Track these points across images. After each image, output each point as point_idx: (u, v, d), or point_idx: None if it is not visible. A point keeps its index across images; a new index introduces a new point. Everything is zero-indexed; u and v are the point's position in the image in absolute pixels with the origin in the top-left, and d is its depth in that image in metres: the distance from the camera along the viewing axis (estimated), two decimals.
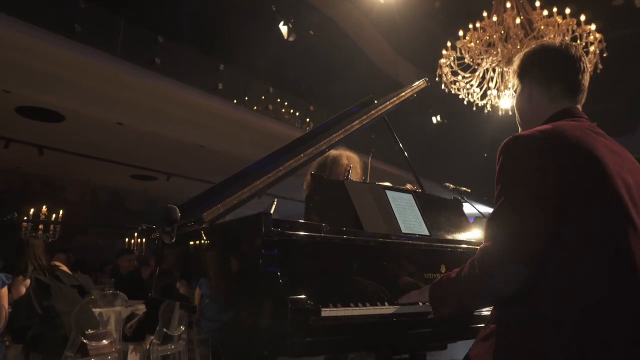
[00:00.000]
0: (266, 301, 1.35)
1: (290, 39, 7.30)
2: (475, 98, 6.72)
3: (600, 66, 5.72)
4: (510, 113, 6.91)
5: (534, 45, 1.45)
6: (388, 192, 2.13)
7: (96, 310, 4.00)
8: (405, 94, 2.84)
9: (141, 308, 4.97)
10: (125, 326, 4.35)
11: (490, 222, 1.21)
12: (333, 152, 2.94)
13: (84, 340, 3.48)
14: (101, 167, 8.39)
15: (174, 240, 1.65)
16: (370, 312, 1.45)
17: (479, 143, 13.61)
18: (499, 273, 1.15)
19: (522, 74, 1.43)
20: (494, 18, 5.50)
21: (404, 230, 1.99)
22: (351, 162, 2.77)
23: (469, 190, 3.40)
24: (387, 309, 1.50)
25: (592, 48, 5.51)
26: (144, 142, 7.24)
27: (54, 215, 6.95)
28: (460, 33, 5.99)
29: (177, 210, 1.59)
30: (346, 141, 2.53)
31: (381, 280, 1.68)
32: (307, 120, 9.02)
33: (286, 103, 8.30)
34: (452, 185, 3.52)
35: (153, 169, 8.65)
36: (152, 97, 6.16)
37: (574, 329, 1.07)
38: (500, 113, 6.84)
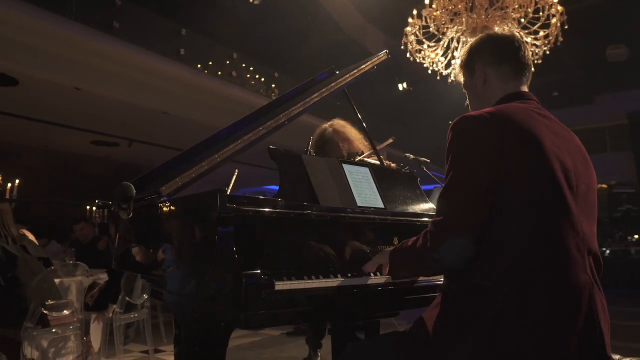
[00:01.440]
0: (222, 276, 1.39)
1: (256, 2, 7.10)
2: (439, 67, 6.78)
3: (560, 38, 5.85)
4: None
5: (479, 37, 1.55)
6: (345, 166, 2.17)
7: (57, 280, 3.95)
8: (366, 66, 2.86)
9: (103, 277, 4.94)
10: (87, 295, 4.32)
11: (440, 197, 1.29)
12: (327, 126, 3.00)
13: (44, 311, 3.45)
14: (60, 133, 8.12)
15: (130, 215, 1.65)
16: (322, 284, 1.51)
17: (443, 110, 13.81)
18: (446, 245, 1.23)
19: (473, 60, 1.50)
20: None
21: (359, 204, 2.04)
22: (347, 134, 2.86)
23: (429, 161, 3.49)
24: (338, 281, 1.57)
25: (553, 20, 5.61)
26: (104, 108, 7.01)
27: (9, 184, 6.72)
28: (427, 1, 5.97)
29: (133, 188, 1.58)
30: (312, 110, 2.55)
31: (336, 253, 1.74)
32: (273, 86, 8.89)
33: (251, 69, 8.15)
34: (412, 156, 3.60)
35: (115, 134, 8.43)
36: (110, 62, 5.93)
37: (508, 298, 1.16)
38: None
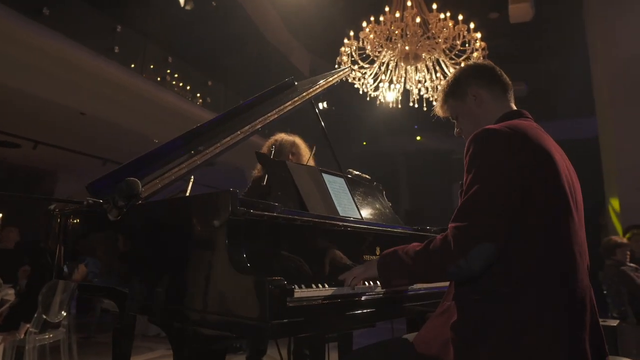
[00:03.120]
0: (238, 283, 1.30)
1: (187, 7, 6.88)
2: (369, 89, 7.04)
3: None
4: (391, 105, 7.35)
5: (458, 69, 1.65)
6: (324, 175, 2.18)
7: None
8: (333, 79, 2.89)
9: (10, 293, 4.41)
10: None
11: (465, 204, 1.29)
12: (285, 136, 2.93)
13: None
14: None
15: (119, 217, 1.49)
16: (334, 292, 1.49)
17: (360, 131, 14.30)
18: (475, 251, 1.23)
19: (462, 86, 1.56)
20: (397, 14, 5.79)
21: (340, 213, 2.06)
22: (300, 150, 2.81)
23: (369, 177, 3.60)
24: (348, 289, 1.55)
25: (475, 54, 6.10)
26: (8, 102, 6.25)
27: None
28: (365, 24, 6.19)
29: (140, 184, 1.44)
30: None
31: (330, 261, 1.73)
32: (198, 95, 8.61)
33: (176, 75, 7.83)
34: (355, 172, 3.69)
35: (18, 134, 7.57)
36: (29, 50, 5.32)
37: (526, 303, 1.22)
38: (391, 105, 7.27)
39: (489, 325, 1.23)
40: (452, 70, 6.59)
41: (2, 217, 7.42)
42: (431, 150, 16.40)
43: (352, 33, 6.20)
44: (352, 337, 2.25)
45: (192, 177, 2.82)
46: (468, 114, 1.57)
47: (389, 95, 7.18)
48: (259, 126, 2.30)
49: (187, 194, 2.88)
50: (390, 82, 6.88)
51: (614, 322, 3.44)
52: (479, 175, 1.30)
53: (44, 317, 3.85)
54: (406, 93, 7.13)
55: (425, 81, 6.81)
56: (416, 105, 7.14)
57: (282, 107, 2.45)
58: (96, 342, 6.09)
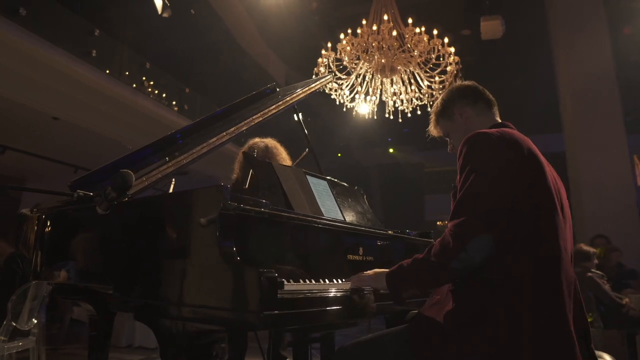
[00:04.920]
0: (230, 274, 1.32)
1: (165, 14, 6.85)
2: (345, 100, 7.14)
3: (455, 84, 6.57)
4: (367, 117, 7.48)
5: (444, 92, 1.79)
6: (309, 177, 2.22)
7: None
8: (315, 86, 2.96)
9: None
10: None
11: (460, 201, 1.37)
12: (258, 141, 2.94)
13: None
14: None
15: (108, 211, 1.49)
16: (323, 287, 1.52)
17: (334, 143, 14.42)
18: (474, 243, 1.31)
19: (449, 107, 1.72)
20: (374, 27, 5.92)
21: (324, 214, 2.10)
22: (275, 154, 2.84)
23: (347, 185, 3.67)
24: (335, 285, 1.59)
25: (449, 68, 6.29)
26: None
27: None
28: (342, 36, 6.31)
29: (133, 176, 1.44)
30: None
31: (318, 258, 1.77)
32: (174, 102, 8.55)
33: (152, 82, 7.76)
34: (334, 180, 3.75)
35: None
36: (3, 51, 5.18)
37: (518, 290, 1.30)
38: (366, 116, 7.39)
39: (482, 312, 1.30)
40: (426, 83, 6.78)
41: None
42: (404, 162, 16.68)
43: (329, 45, 6.31)
44: (334, 339, 2.27)
45: (173, 179, 2.83)
46: (458, 130, 1.70)
47: (363, 107, 7.30)
48: (244, 128, 2.33)
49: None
50: (367, 93, 7.01)
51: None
52: (471, 173, 1.39)
53: (13, 324, 3.73)
54: (382, 105, 7.27)
55: (400, 94, 6.97)
56: (391, 117, 7.28)
57: (260, 113, 2.49)
58: (65, 352, 5.91)
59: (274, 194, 1.95)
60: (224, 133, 2.20)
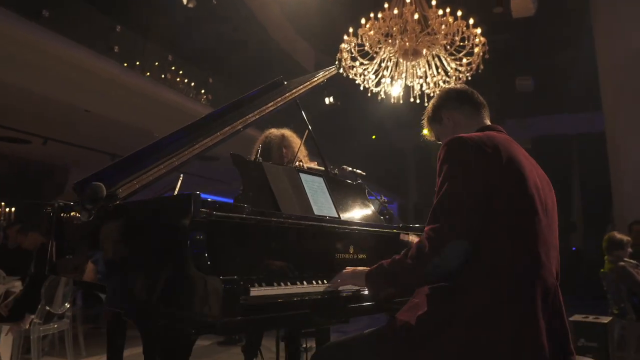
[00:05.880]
0: (196, 282, 1.38)
1: (190, 5, 6.95)
2: (370, 85, 7.06)
3: (482, 66, 6.39)
4: (401, 101, 7.39)
5: (437, 95, 1.81)
6: (302, 175, 2.24)
7: None
8: (317, 79, 2.95)
9: (17, 285, 4.57)
10: (0, 305, 3.97)
11: (437, 206, 1.38)
12: (274, 131, 3.05)
13: None
14: None
15: (91, 218, 1.58)
16: (295, 290, 1.56)
17: (368, 125, 14.29)
18: (448, 249, 1.33)
19: (439, 112, 1.73)
20: (395, 11, 5.80)
21: (315, 212, 2.11)
22: (291, 142, 2.91)
23: (364, 173, 3.66)
24: (310, 287, 1.62)
25: (476, 49, 6.10)
26: (17, 100, 6.42)
27: None
28: (363, 21, 6.21)
29: (104, 188, 1.52)
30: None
31: (305, 260, 1.80)
32: (202, 91, 8.71)
33: (181, 72, 7.94)
34: (349, 168, 3.75)
35: (27, 131, 7.76)
36: (32, 51, 5.46)
37: (486, 297, 1.29)
38: (392, 100, 7.29)
39: (450, 318, 1.31)
40: (453, 65, 6.61)
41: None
42: (439, 144, 16.36)
43: (351, 30, 6.23)
44: (329, 330, 2.32)
45: (182, 175, 2.92)
46: (447, 134, 1.69)
47: (394, 89, 7.20)
48: (240, 126, 2.36)
49: (176, 191, 2.98)
50: (392, 78, 6.91)
51: (606, 319, 3.45)
52: (448, 177, 1.40)
53: (48, 308, 4.00)
54: (410, 88, 7.15)
55: (426, 77, 6.83)
56: (418, 101, 7.16)
57: (264, 107, 2.51)
58: (104, 332, 6.25)
59: (261, 195, 1.99)
60: (218, 133, 2.24)
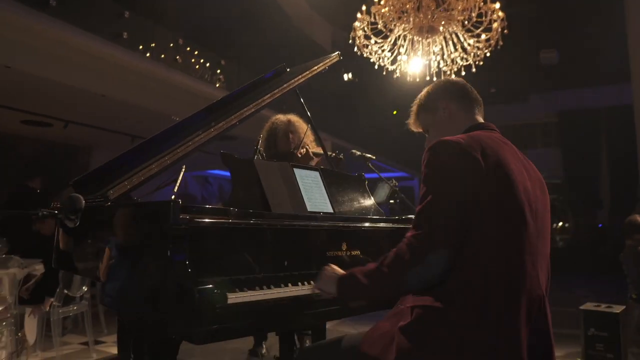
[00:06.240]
0: (174, 290, 1.39)
1: None
2: (385, 62, 6.93)
3: (501, 42, 6.17)
4: (417, 79, 7.23)
5: (430, 85, 1.70)
6: (296, 170, 2.21)
7: None
8: (317, 67, 2.89)
9: (38, 268, 4.73)
10: (22, 289, 4.14)
11: (420, 213, 1.34)
12: (280, 117, 3.07)
13: None
14: None
15: (76, 225, 1.62)
16: (274, 295, 1.56)
17: (389, 101, 14.09)
18: (432, 258, 1.28)
19: (434, 100, 1.65)
20: None
21: (309, 209, 2.10)
22: (297, 127, 2.91)
23: (374, 157, 3.62)
24: (290, 291, 1.62)
25: (495, 25, 5.88)
26: (37, 88, 6.59)
27: None
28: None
29: (82, 200, 1.54)
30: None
31: (288, 261, 1.78)
32: (218, 72, 8.69)
33: (196, 53, 7.91)
34: (358, 152, 3.72)
35: (48, 115, 7.94)
36: (45, 41, 5.55)
37: (469, 308, 1.27)
38: (408, 79, 7.14)
39: (434, 329, 1.29)
40: (470, 41, 6.41)
41: None
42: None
43: (363, 7, 6.08)
44: (325, 324, 2.33)
45: (184, 166, 2.92)
46: (438, 126, 1.64)
47: (413, 65, 7.04)
48: (235, 121, 2.35)
49: (177, 185, 3.00)
50: (408, 55, 6.76)
51: (618, 309, 3.38)
52: (431, 184, 1.36)
53: (66, 292, 4.16)
54: (427, 65, 6.98)
55: (443, 54, 6.66)
56: (434, 79, 7.00)
57: (260, 100, 2.48)
58: None
59: (251, 194, 1.98)
60: (212, 129, 2.23)
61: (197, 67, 7.93)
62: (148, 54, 6.95)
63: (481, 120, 1.62)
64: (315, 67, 2.87)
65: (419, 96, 1.73)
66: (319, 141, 3.06)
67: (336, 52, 3.09)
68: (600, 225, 13.33)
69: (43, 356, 4.22)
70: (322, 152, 3.09)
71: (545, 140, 15.82)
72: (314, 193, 2.22)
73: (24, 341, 4.11)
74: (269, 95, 2.55)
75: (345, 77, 12.49)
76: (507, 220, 1.32)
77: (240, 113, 2.37)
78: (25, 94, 7.06)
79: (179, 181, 3.01)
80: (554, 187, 16.92)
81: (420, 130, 1.74)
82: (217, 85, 8.54)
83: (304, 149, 3.20)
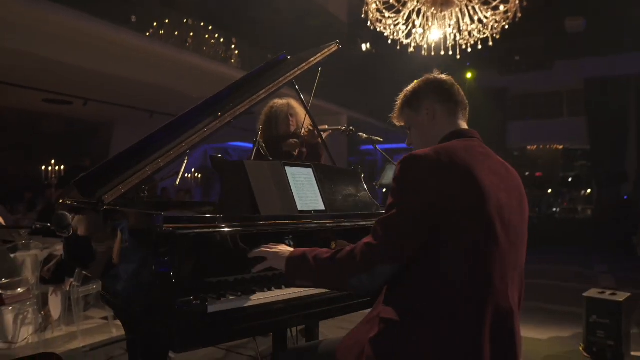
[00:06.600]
0: (157, 301, 1.48)
1: None
2: (400, 36, 6.79)
3: (519, 14, 5.98)
4: (433, 53, 7.07)
5: (418, 81, 1.64)
6: (288, 169, 2.22)
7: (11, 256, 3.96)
8: (315, 58, 2.86)
9: (59, 249, 4.93)
10: (43, 269, 4.35)
11: (380, 223, 1.37)
12: (278, 101, 3.11)
13: None
14: (10, 91, 7.78)
15: (70, 234, 1.71)
16: (258, 301, 1.60)
17: (409, 71, 13.78)
18: (379, 269, 1.33)
19: (419, 98, 1.61)
20: None
21: (300, 208, 2.12)
22: (297, 110, 2.95)
23: (381, 140, 3.62)
24: (279, 293, 1.67)
25: None
26: (56, 71, 6.77)
27: None
28: None
29: (68, 217, 1.63)
30: None
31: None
32: (232, 46, 8.65)
33: (208, 30, 7.90)
34: (365, 135, 3.73)
35: (68, 94, 8.14)
36: (57, 27, 5.67)
37: (436, 322, 1.29)
38: (423, 53, 7.00)
39: (397, 345, 1.32)
40: (486, 15, 6.21)
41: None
42: (484, 88, 15.59)
43: None
44: (318, 326, 2.39)
45: (186, 158, 2.97)
46: (420, 126, 1.62)
47: (434, 33, 6.88)
48: (229, 118, 2.37)
49: (179, 176, 3.07)
50: (423, 28, 6.60)
51: (622, 297, 3.37)
52: (397, 198, 1.37)
53: (84, 272, 4.34)
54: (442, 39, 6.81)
55: (459, 27, 6.49)
56: (450, 53, 6.84)
57: (255, 96, 2.49)
58: None
59: (240, 197, 2.01)
60: (205, 129, 2.26)
61: (208, 45, 7.92)
62: (162, 31, 6.98)
63: (464, 125, 1.59)
64: (313, 59, 2.85)
65: (405, 90, 1.68)
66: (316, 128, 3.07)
67: (335, 42, 3.05)
68: (625, 197, 13.02)
69: (67, 330, 4.46)
70: (327, 127, 3.15)
71: (571, 109, 15.35)
72: (305, 191, 2.24)
73: (48, 317, 4.36)
74: (264, 91, 2.54)
75: (364, 47, 12.26)
76: (475, 236, 1.32)
77: (234, 110, 2.38)
78: (45, 76, 7.25)
79: (180, 173, 3.09)
80: (582, 152, 16.47)
81: (403, 124, 1.70)
82: (233, 60, 8.54)
83: (308, 129, 3.23)
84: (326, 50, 2.97)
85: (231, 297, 1.60)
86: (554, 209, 15.47)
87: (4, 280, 3.58)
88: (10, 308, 3.59)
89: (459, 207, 1.32)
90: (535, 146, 17.30)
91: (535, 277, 7.51)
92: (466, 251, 1.31)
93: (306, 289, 1.71)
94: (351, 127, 3.42)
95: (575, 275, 7.64)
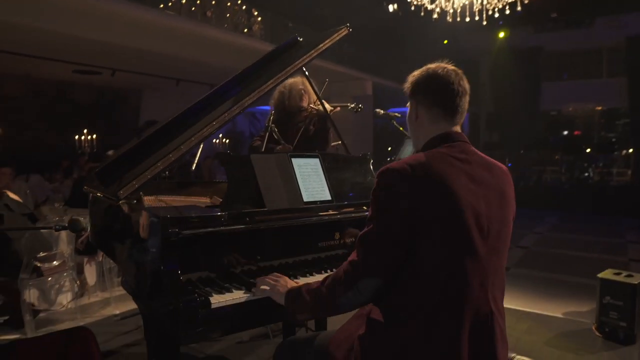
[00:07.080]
0: (164, 296, 1.60)
1: None
2: (425, 2, 6.59)
3: None
4: (458, 19, 6.83)
5: (421, 70, 1.59)
6: (294, 160, 2.26)
7: (45, 231, 4.21)
8: (324, 44, 2.84)
9: None
10: (77, 241, 4.61)
11: (359, 239, 1.43)
12: (290, 80, 3.19)
13: (37, 264, 3.76)
14: (42, 63, 8.03)
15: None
16: (249, 298, 1.68)
17: (438, 30, 13.33)
18: (362, 284, 1.39)
19: (411, 94, 1.61)
20: None
21: (305, 199, 2.16)
22: (308, 85, 3.03)
23: (399, 115, 3.62)
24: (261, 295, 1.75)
25: None
26: (84, 46, 6.96)
27: None
28: None
29: (82, 222, 1.77)
30: None
31: (277, 258, 1.94)
32: (256, 15, 8.59)
33: (223, 8, 7.89)
34: (382, 111, 3.73)
35: (97, 64, 8.34)
36: (85, 5, 5.85)
37: (417, 327, 1.37)
38: (448, 19, 6.78)
39: (381, 345, 1.42)
40: None
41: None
42: (516, 47, 14.96)
43: None
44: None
45: (200, 147, 3.03)
46: (409, 118, 1.64)
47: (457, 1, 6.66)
48: (237, 110, 2.41)
49: (196, 160, 3.16)
50: None
51: (636, 280, 3.34)
52: (375, 212, 1.42)
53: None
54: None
55: None
56: (477, 18, 6.61)
57: (264, 86, 2.52)
58: None
59: (246, 193, 2.06)
60: (214, 122, 2.32)
61: (231, 13, 7.90)
62: (175, 11, 7.11)
63: (452, 129, 1.55)
64: (322, 45, 2.83)
65: (413, 74, 1.62)
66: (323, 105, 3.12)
67: (345, 25, 3.02)
68: None
69: (102, 296, 4.77)
70: (339, 104, 3.19)
71: (611, 68, 14.61)
72: (311, 182, 2.27)
73: (85, 284, 4.66)
74: (272, 81, 2.55)
75: (391, 8, 11.86)
76: (452, 244, 1.36)
77: (241, 103, 2.41)
78: (75, 50, 7.44)
79: (196, 159, 3.18)
80: (620, 114, 15.73)
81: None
82: (256, 27, 8.50)
83: (320, 104, 3.27)
84: (336, 35, 2.94)
85: (234, 292, 1.69)
86: (587, 174, 15.03)
87: (41, 254, 3.84)
88: (50, 278, 3.86)
89: (434, 219, 1.35)
90: (572, 107, 16.65)
91: (562, 247, 7.43)
92: (443, 261, 1.36)
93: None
94: (360, 105, 3.42)
95: (603, 246, 7.50)
